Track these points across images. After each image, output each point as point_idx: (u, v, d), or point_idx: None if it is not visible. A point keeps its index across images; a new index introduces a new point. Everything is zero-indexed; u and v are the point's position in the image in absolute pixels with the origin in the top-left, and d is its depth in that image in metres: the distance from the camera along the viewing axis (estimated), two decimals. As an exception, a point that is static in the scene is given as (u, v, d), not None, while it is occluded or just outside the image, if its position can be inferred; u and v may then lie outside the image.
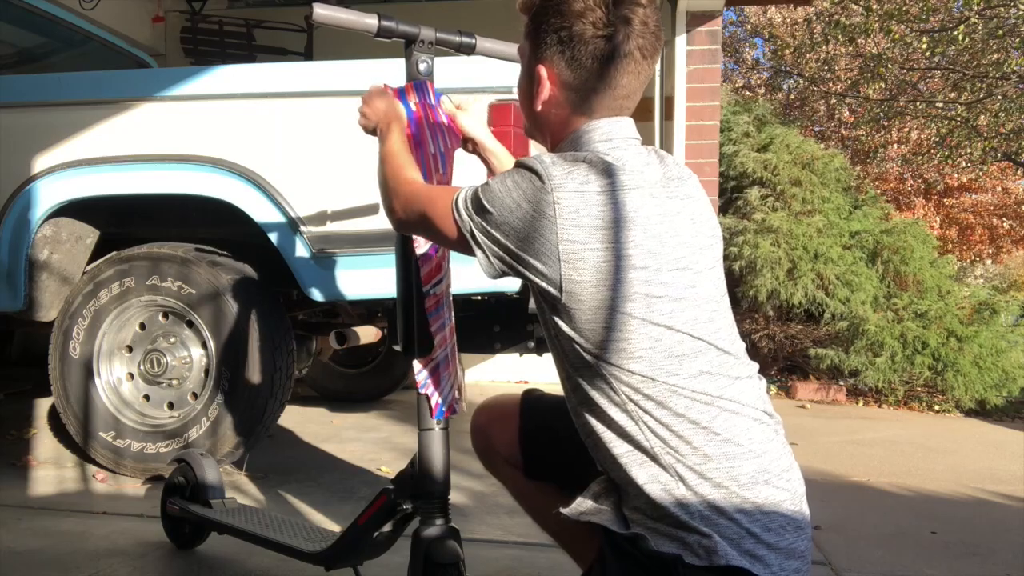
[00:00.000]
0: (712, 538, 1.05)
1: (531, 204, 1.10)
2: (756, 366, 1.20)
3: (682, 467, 1.08)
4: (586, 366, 1.13)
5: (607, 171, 1.12)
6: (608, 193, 1.10)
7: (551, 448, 1.36)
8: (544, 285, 1.12)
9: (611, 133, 1.19)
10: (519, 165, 1.15)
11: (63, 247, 2.64)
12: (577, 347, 1.13)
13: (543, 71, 1.19)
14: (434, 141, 1.47)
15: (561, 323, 1.13)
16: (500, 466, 1.45)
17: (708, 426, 1.09)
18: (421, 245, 1.46)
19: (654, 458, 1.09)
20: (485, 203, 1.14)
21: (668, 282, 1.11)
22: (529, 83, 1.24)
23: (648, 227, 1.11)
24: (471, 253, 1.19)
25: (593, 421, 1.15)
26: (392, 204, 1.30)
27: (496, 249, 1.15)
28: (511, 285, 2.41)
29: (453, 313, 1.52)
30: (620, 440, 1.12)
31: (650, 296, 1.09)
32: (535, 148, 2.21)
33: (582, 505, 1.17)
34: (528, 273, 1.13)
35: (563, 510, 1.17)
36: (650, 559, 1.07)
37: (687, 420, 1.09)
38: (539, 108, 1.22)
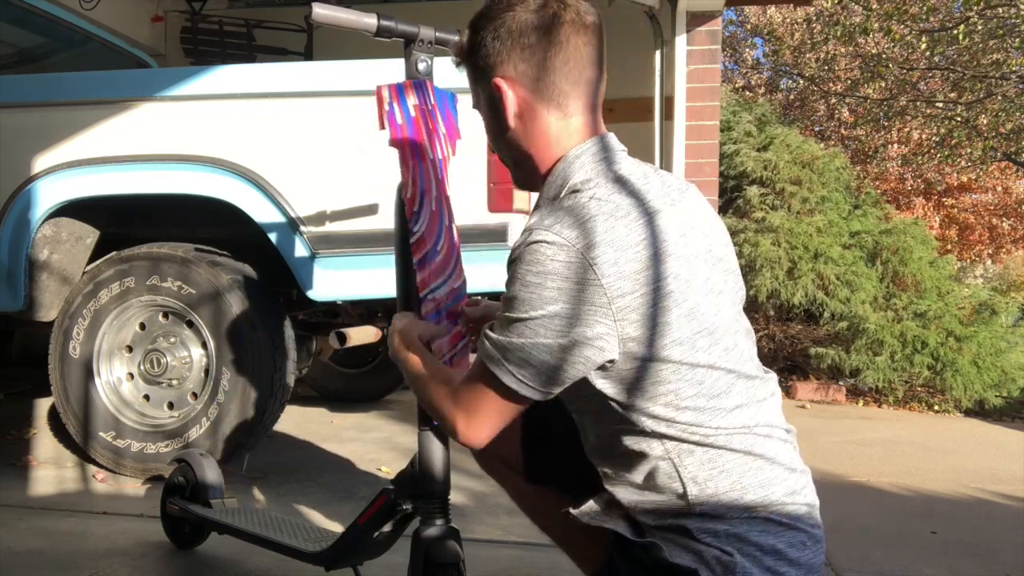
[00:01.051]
0: (733, 556, 1.03)
1: (569, 279, 0.99)
2: (774, 378, 1.17)
3: (715, 508, 1.06)
4: (627, 425, 1.07)
5: (621, 206, 1.04)
6: (635, 231, 1.02)
7: (554, 450, 1.32)
8: (599, 357, 1.02)
9: (601, 151, 1.12)
10: (523, 253, 1.02)
11: (63, 247, 2.64)
12: (617, 406, 1.07)
13: (499, 82, 1.12)
14: (432, 147, 1.46)
15: (605, 388, 1.06)
16: (499, 468, 1.41)
17: (748, 451, 1.07)
18: (420, 249, 1.45)
19: (686, 501, 1.06)
20: (521, 315, 1.01)
21: (703, 312, 1.06)
22: (494, 111, 1.15)
23: (677, 252, 1.05)
24: (523, 401, 1.08)
25: (626, 475, 1.11)
26: (456, 429, 1.14)
27: (540, 369, 1.02)
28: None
29: (461, 319, 1.48)
30: (656, 492, 1.08)
31: (693, 334, 1.04)
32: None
33: (594, 509, 1.14)
34: (581, 362, 1.02)
35: (573, 511, 1.14)
36: (662, 569, 1.05)
37: (727, 451, 1.07)
38: (513, 125, 1.14)
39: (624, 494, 1.12)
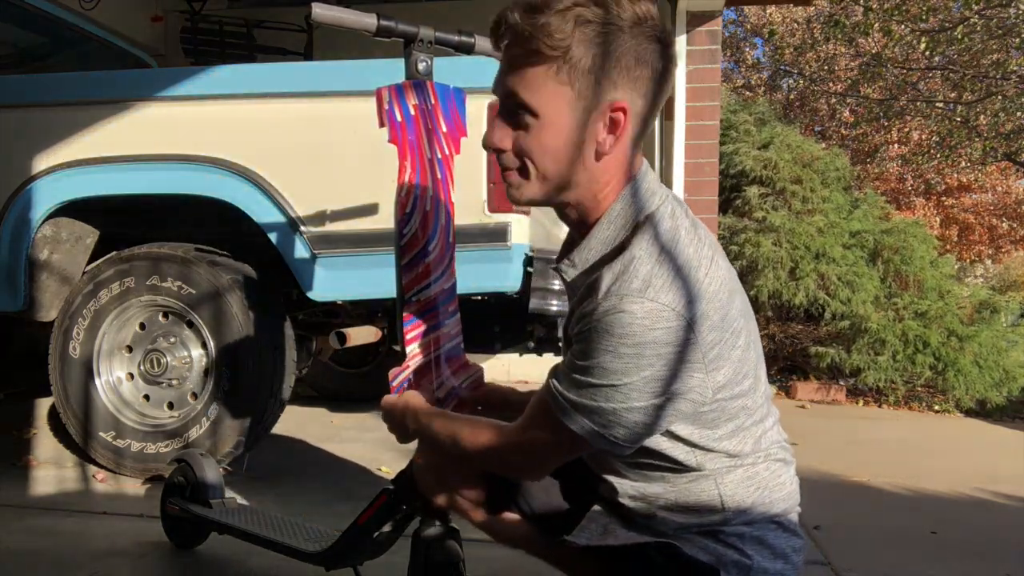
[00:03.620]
0: (751, 559, 1.05)
1: (669, 344, 0.95)
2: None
3: (747, 517, 1.07)
4: (678, 453, 1.06)
5: (695, 252, 1.00)
6: (715, 277, 1.00)
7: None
8: (691, 408, 1.01)
9: (652, 186, 1.07)
10: (613, 324, 0.94)
11: (63, 247, 2.64)
12: (683, 443, 1.05)
13: (627, 106, 1.01)
14: (431, 147, 1.46)
15: (677, 429, 1.03)
16: (458, 503, 1.27)
17: (777, 466, 1.10)
18: (410, 251, 1.45)
19: (722, 514, 1.07)
20: (613, 382, 0.96)
21: (755, 339, 1.06)
22: (583, 130, 1.02)
23: (736, 286, 1.05)
24: (578, 452, 1.07)
25: (657, 493, 1.10)
26: (525, 475, 1.15)
27: (632, 429, 0.99)
28: (511, 285, 2.41)
29: (451, 320, 1.48)
30: (689, 507, 1.08)
31: (755, 364, 1.05)
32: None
33: (592, 529, 1.12)
34: (673, 415, 1.00)
35: (570, 538, 1.11)
36: (680, 567, 1.05)
37: (762, 465, 1.09)
38: (600, 161, 1.03)
39: (649, 508, 1.11)
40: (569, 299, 1.13)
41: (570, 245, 1.13)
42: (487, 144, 1.07)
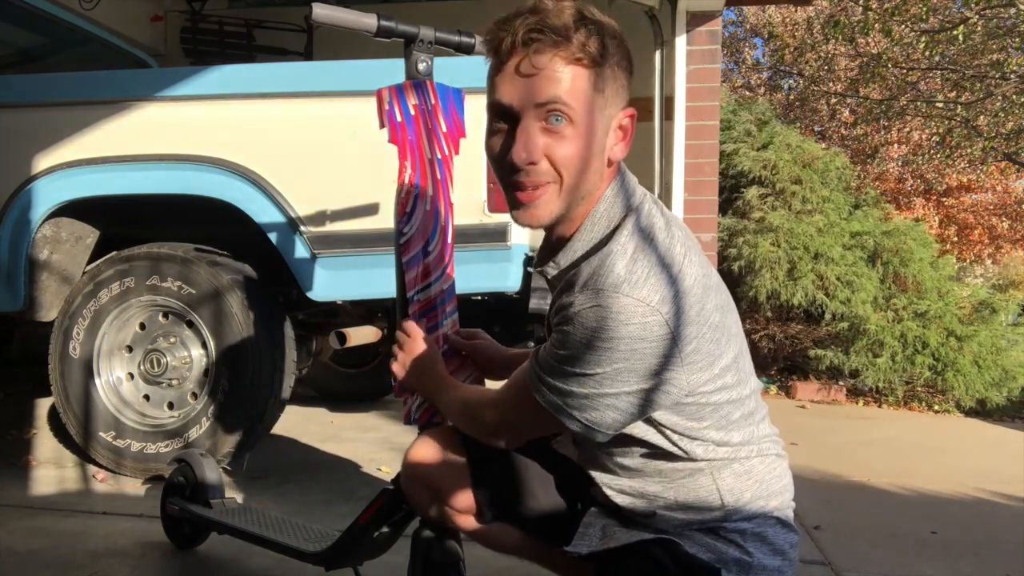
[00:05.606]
0: (751, 557, 1.07)
1: (644, 339, 0.97)
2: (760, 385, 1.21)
3: (747, 513, 1.08)
4: (671, 448, 1.07)
5: (671, 250, 1.02)
6: (689, 273, 1.01)
7: (509, 482, 1.25)
8: (667, 400, 1.02)
9: (632, 184, 1.11)
10: (588, 317, 0.97)
11: (63, 247, 2.64)
12: (671, 432, 1.06)
13: (634, 111, 1.08)
14: (431, 147, 1.47)
15: (660, 417, 1.05)
16: (449, 515, 1.29)
17: (772, 459, 1.12)
18: (410, 250, 1.45)
19: (723, 510, 1.08)
20: (587, 371, 0.99)
21: (735, 332, 1.08)
22: (605, 137, 1.05)
23: (713, 282, 1.06)
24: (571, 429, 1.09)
25: (656, 492, 1.11)
26: (496, 441, 1.17)
27: (603, 415, 1.02)
28: (511, 285, 2.41)
29: (449, 320, 1.49)
30: (690, 505, 1.09)
31: (735, 358, 1.07)
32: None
33: (592, 537, 1.12)
34: (647, 406, 1.02)
35: (570, 549, 1.11)
36: (681, 565, 1.05)
37: (757, 459, 1.10)
38: (609, 168, 1.08)
39: (649, 507, 1.12)
40: (551, 292, 1.16)
41: (552, 248, 1.14)
42: (522, 159, 1.01)
